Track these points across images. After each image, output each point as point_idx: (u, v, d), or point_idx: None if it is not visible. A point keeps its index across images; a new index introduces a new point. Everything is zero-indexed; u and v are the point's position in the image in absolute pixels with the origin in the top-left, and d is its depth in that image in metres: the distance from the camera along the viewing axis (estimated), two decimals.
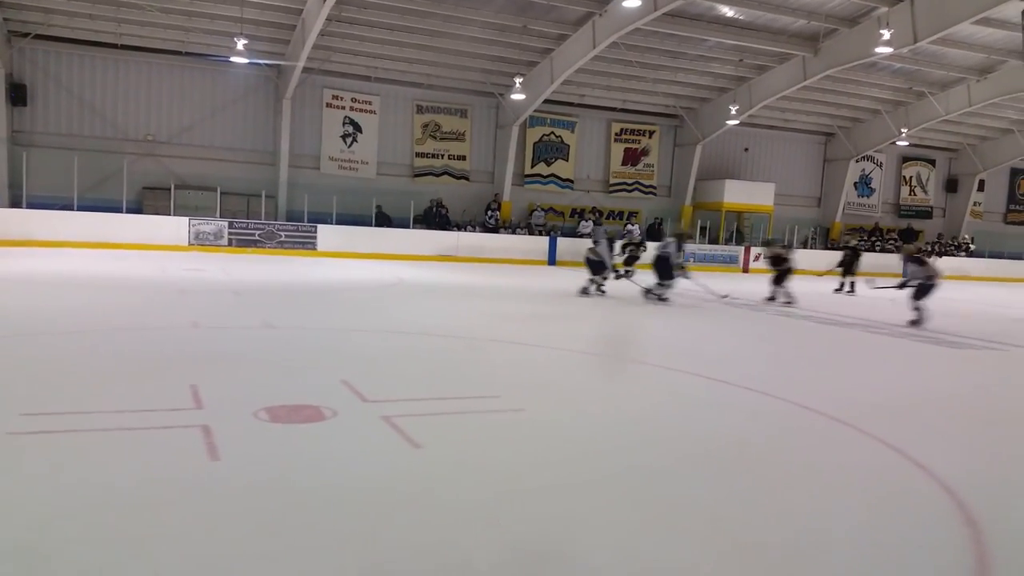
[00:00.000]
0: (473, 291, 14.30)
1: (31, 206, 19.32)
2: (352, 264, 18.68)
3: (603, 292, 14.32)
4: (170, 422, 4.82)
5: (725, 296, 14.74)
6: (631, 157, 27.67)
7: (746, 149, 29.15)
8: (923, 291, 12.13)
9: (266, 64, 21.66)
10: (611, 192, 27.49)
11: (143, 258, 16.86)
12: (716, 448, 4.96)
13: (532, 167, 26.15)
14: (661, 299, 13.59)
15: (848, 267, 18.78)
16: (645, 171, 27.88)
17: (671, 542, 3.48)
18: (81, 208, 19.38)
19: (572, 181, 26.76)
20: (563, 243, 24.32)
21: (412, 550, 3.23)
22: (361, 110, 23.60)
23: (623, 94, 25.83)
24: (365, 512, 3.61)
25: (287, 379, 6.16)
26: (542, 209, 25.99)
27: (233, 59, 19.37)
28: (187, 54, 21.18)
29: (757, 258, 19.73)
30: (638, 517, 3.73)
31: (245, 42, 18.52)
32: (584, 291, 14.17)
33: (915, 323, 12.01)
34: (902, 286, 12.29)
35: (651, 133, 27.76)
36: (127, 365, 6.33)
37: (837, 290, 18.26)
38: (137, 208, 20.58)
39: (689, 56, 23.03)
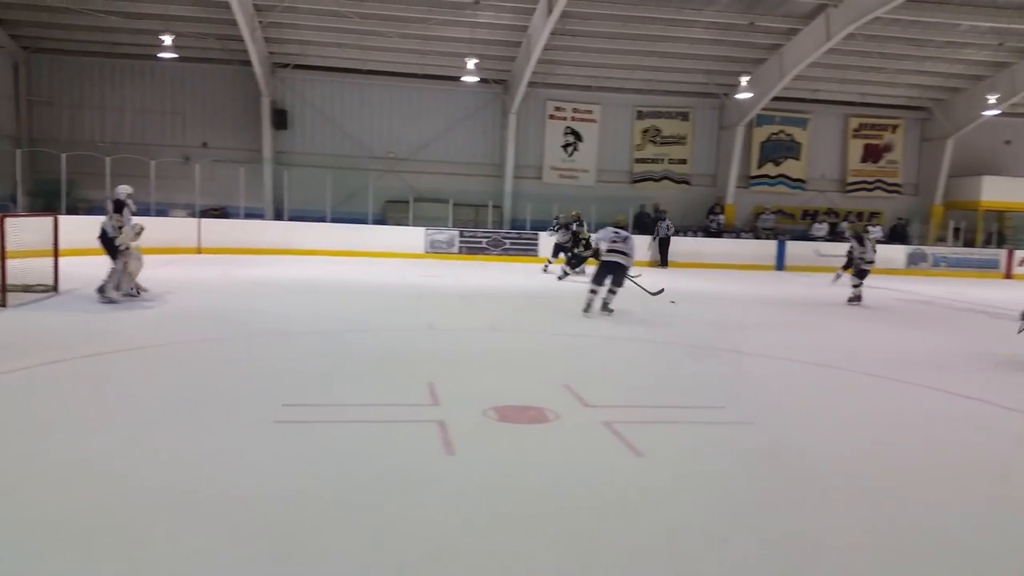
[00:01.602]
0: (692, 297, 13.98)
1: (292, 219, 21.74)
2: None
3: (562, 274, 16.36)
4: (411, 416, 5.25)
5: (659, 292, 12.44)
6: (872, 154, 25.68)
7: (1008, 142, 25.97)
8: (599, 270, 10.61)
9: (494, 81, 22.72)
10: (848, 191, 25.68)
11: (386, 265, 18.32)
12: (948, 467, 4.53)
13: (759, 168, 25.10)
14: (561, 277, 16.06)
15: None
16: (888, 168, 25.76)
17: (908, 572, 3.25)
18: (333, 220, 21.47)
19: (804, 181, 25.33)
20: (792, 247, 23.03)
21: (632, 556, 3.29)
22: (582, 119, 23.98)
23: (861, 87, 24.06)
24: (588, 515, 3.72)
25: (513, 380, 6.46)
26: (771, 212, 24.84)
27: (464, 79, 20.54)
28: (423, 76, 22.73)
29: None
30: (870, 542, 3.53)
31: (476, 61, 19.61)
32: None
33: (602, 307, 10.54)
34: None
35: (894, 127, 25.60)
36: (373, 362, 6.96)
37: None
38: (381, 219, 22.43)
39: (937, 43, 20.98)
